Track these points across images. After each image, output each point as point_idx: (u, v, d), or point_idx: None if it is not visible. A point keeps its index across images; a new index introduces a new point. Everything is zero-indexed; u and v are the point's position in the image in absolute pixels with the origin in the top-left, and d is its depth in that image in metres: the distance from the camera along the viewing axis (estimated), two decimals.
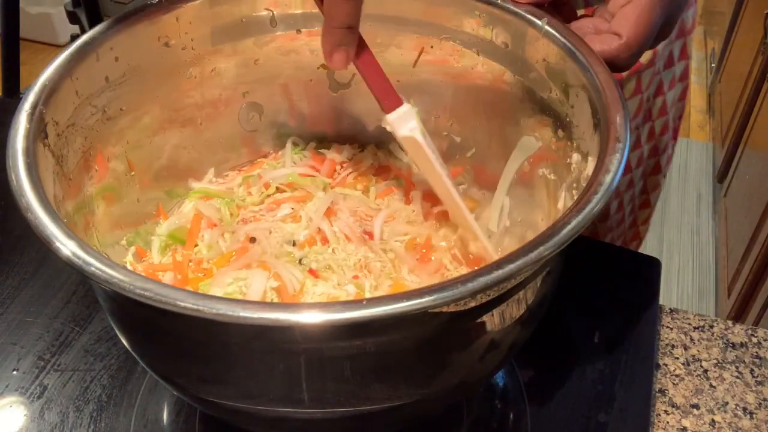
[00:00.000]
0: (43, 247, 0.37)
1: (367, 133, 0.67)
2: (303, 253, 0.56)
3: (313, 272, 0.54)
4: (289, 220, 0.59)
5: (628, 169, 0.83)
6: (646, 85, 0.78)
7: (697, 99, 2.54)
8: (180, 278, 0.54)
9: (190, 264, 0.56)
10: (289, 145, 0.66)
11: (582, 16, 0.54)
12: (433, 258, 0.57)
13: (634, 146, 0.82)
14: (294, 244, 0.57)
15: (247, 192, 0.62)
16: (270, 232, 0.57)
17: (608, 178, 0.41)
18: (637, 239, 0.95)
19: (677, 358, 0.64)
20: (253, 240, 0.56)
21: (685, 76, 0.84)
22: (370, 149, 0.67)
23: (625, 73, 0.73)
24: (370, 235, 0.58)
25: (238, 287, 0.52)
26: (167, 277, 0.55)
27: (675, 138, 0.89)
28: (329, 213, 0.59)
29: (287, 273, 0.53)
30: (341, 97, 0.65)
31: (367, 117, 0.66)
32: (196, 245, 0.58)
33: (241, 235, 0.57)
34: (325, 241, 0.57)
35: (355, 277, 0.54)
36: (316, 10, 0.60)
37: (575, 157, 0.50)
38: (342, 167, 0.65)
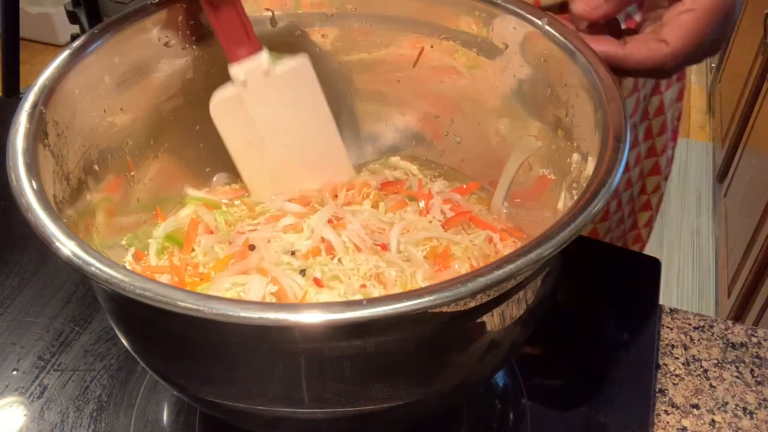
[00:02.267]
0: (43, 247, 0.37)
1: (364, 151, 0.67)
2: (305, 264, 0.54)
3: (317, 281, 0.52)
4: (291, 231, 0.57)
5: (626, 168, 0.83)
6: (642, 83, 0.78)
7: (697, 99, 2.54)
8: (177, 281, 0.54)
9: (188, 267, 0.56)
10: None
11: (626, 30, 0.55)
12: (451, 266, 0.55)
13: (632, 145, 0.82)
14: (293, 254, 0.55)
15: (246, 207, 0.61)
16: (269, 241, 0.56)
17: (608, 178, 0.41)
18: (640, 242, 0.94)
19: (677, 358, 0.64)
20: (252, 247, 0.56)
21: (681, 76, 0.84)
22: (369, 169, 0.66)
23: None
24: (383, 246, 0.56)
25: (236, 292, 0.52)
26: (163, 280, 0.55)
27: (674, 139, 0.88)
28: (336, 227, 0.57)
29: (287, 279, 0.52)
30: (338, 109, 0.65)
31: (363, 124, 0.66)
32: (193, 250, 0.57)
33: (239, 242, 0.56)
34: (330, 251, 0.55)
35: (363, 286, 0.52)
36: (316, 10, 0.60)
37: (575, 157, 0.50)
38: (346, 191, 0.62)
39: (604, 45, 0.51)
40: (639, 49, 0.50)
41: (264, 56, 0.55)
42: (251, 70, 0.55)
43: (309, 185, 0.61)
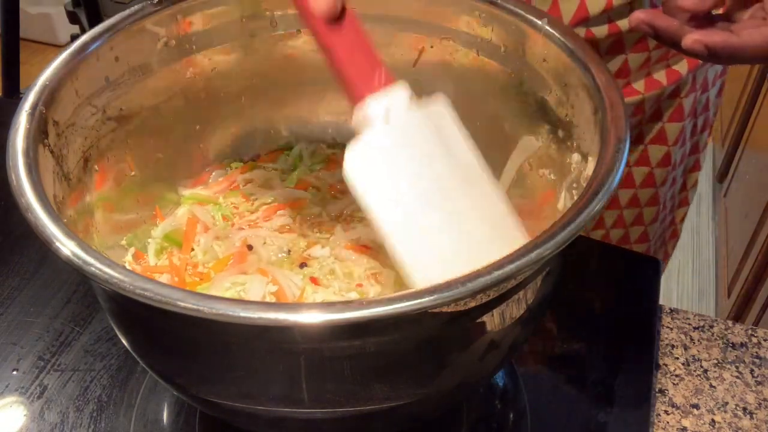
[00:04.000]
0: (43, 247, 0.37)
1: None
2: (303, 259, 0.55)
3: (314, 280, 0.53)
4: (286, 231, 0.58)
5: (673, 166, 0.82)
6: (699, 83, 0.77)
7: None
8: (177, 281, 0.54)
9: (187, 267, 0.56)
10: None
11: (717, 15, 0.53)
12: None
13: (682, 143, 0.82)
14: (289, 252, 0.56)
15: (243, 198, 0.62)
16: (264, 242, 0.57)
17: (608, 178, 0.41)
18: (675, 237, 0.95)
19: (677, 358, 0.64)
20: (250, 248, 0.56)
21: (723, 72, 0.84)
22: None
23: (684, 72, 0.73)
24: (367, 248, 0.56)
25: (236, 292, 0.52)
26: (163, 280, 0.55)
27: (710, 134, 0.89)
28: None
29: (286, 279, 0.52)
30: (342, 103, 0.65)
31: None
32: (192, 249, 0.58)
33: (236, 240, 0.57)
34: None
35: (359, 285, 0.53)
36: None
37: (575, 157, 0.50)
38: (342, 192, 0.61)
39: (718, 36, 0.48)
40: (754, 36, 0.48)
41: (403, 85, 0.44)
42: (393, 101, 0.44)
43: (475, 257, 0.42)
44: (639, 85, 0.73)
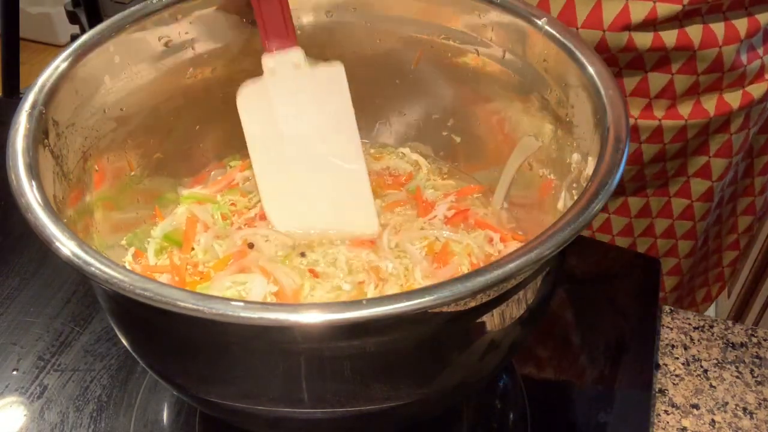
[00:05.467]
0: (43, 247, 0.37)
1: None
2: (304, 248, 0.55)
3: (313, 272, 0.53)
4: None
5: (719, 203, 0.79)
6: (754, 121, 0.74)
7: None
8: (177, 281, 0.54)
9: (188, 267, 0.56)
10: None
11: None
12: (450, 262, 0.55)
13: (730, 182, 0.78)
14: (293, 248, 0.56)
15: (241, 195, 0.62)
16: (267, 239, 0.57)
17: (608, 179, 0.41)
18: (721, 281, 0.90)
19: (677, 358, 0.64)
20: (251, 245, 0.56)
21: None
22: (372, 155, 0.66)
23: (736, 107, 0.70)
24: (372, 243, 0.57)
25: (237, 291, 0.52)
26: (164, 280, 0.55)
27: None
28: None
29: (287, 278, 0.52)
30: None
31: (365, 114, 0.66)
32: (192, 249, 0.58)
33: (237, 239, 0.57)
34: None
35: (360, 283, 0.53)
36: (316, 9, 0.60)
37: (575, 157, 0.50)
38: None
39: None
40: None
41: (298, 51, 0.56)
42: (283, 61, 0.55)
43: (326, 218, 0.57)
44: (684, 110, 0.70)
